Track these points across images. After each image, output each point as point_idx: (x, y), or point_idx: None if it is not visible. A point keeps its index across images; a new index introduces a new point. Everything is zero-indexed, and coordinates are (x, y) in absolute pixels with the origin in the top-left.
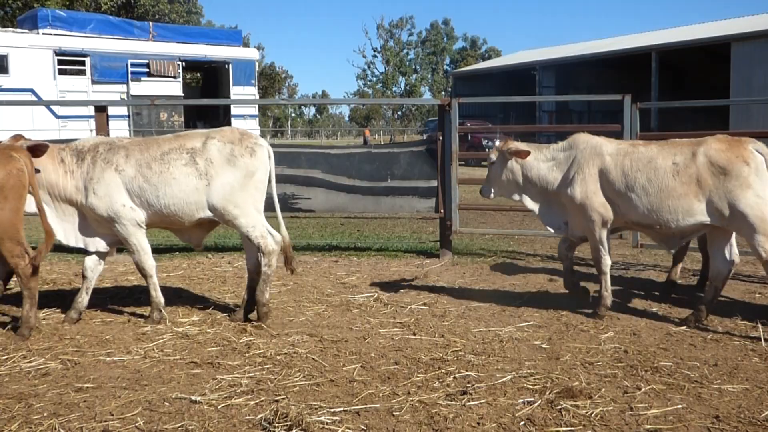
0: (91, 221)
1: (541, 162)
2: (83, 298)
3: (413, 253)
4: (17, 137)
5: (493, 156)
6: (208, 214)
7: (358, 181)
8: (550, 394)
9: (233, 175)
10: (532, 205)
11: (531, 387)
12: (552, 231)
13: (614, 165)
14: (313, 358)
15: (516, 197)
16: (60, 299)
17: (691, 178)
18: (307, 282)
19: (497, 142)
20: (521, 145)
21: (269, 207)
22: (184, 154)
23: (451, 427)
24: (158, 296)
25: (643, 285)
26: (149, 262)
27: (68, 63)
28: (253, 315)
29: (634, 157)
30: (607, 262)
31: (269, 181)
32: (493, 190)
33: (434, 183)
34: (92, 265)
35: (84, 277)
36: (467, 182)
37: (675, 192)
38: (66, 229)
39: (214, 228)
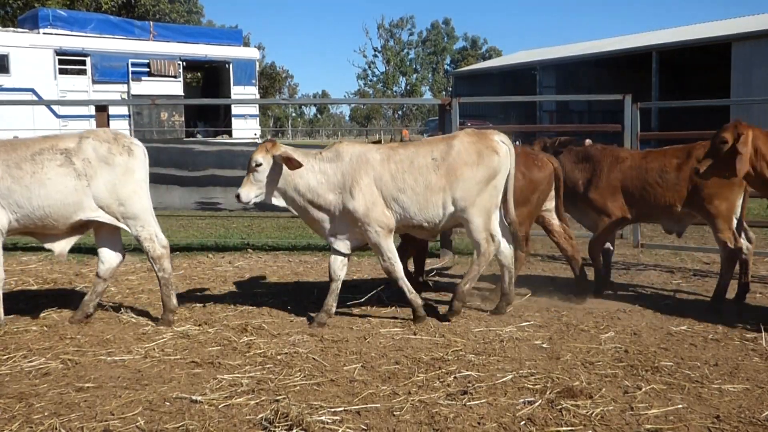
0: None
1: (311, 173)
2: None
3: None
4: None
5: (260, 158)
6: (88, 215)
7: None
8: (550, 393)
9: (113, 173)
10: (301, 214)
11: (531, 387)
12: (328, 241)
13: (383, 171)
14: (313, 358)
15: (281, 204)
16: (62, 299)
17: (448, 170)
18: (308, 282)
19: (266, 143)
20: (293, 154)
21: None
22: (58, 155)
23: (451, 427)
24: None
25: (643, 285)
26: None
27: (69, 62)
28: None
29: (397, 160)
30: (399, 267)
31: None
32: (253, 196)
33: None
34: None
35: None
36: None
37: (437, 186)
38: None
39: (85, 232)
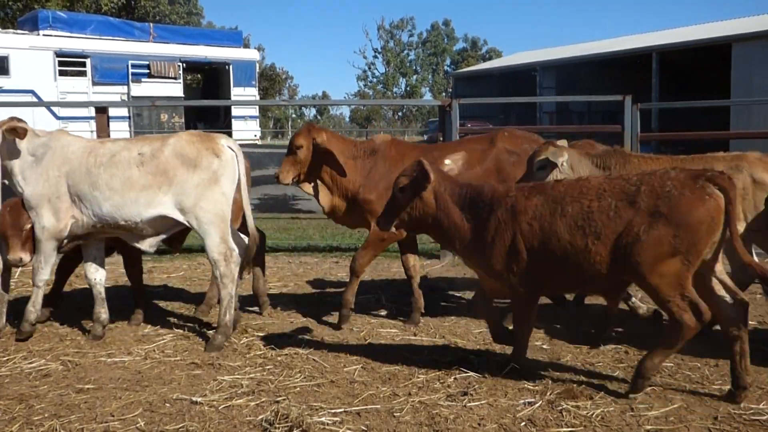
0: None
1: (26, 153)
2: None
3: None
4: None
5: None
6: None
7: None
8: (550, 394)
9: None
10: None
11: (532, 388)
12: None
13: (78, 164)
14: (313, 359)
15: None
16: (61, 300)
17: (157, 169)
18: (308, 283)
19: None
20: (23, 127)
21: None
22: None
23: (451, 428)
24: None
25: None
26: None
27: (69, 64)
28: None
29: (99, 153)
30: (44, 275)
31: None
32: None
33: None
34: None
35: None
36: None
37: (138, 183)
38: None
39: None
